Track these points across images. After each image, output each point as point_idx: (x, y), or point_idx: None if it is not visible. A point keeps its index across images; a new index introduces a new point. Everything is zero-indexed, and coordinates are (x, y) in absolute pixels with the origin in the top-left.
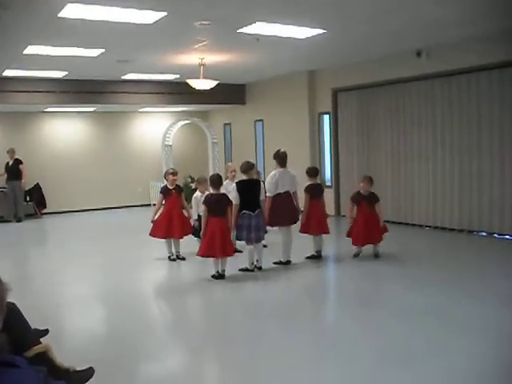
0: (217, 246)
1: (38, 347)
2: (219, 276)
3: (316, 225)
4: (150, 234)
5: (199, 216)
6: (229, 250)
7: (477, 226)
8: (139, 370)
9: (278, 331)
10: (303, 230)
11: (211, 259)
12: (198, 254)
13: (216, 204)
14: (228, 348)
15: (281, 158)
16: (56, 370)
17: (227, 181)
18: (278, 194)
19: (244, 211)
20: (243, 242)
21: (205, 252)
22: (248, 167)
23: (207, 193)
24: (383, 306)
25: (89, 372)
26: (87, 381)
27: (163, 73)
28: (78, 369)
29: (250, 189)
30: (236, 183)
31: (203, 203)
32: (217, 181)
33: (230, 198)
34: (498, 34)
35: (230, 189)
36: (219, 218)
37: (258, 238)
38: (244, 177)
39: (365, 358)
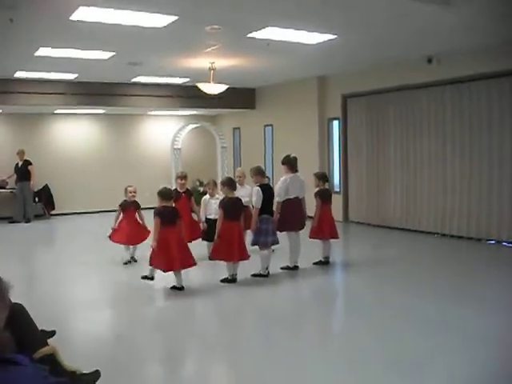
0: (235, 250)
1: (45, 349)
2: (232, 280)
3: (328, 230)
4: None
5: (207, 219)
6: (245, 254)
7: (485, 234)
8: (147, 373)
9: (286, 336)
10: (315, 235)
11: (221, 263)
12: (212, 257)
13: (233, 208)
14: (238, 352)
15: (291, 164)
16: (63, 372)
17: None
18: (287, 200)
19: (264, 215)
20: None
21: (222, 256)
22: (264, 172)
23: (217, 196)
24: (390, 312)
25: (95, 375)
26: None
27: (173, 76)
28: (84, 371)
29: (269, 193)
30: (260, 187)
31: (219, 207)
32: (234, 184)
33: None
34: (510, 41)
35: (241, 193)
36: (236, 222)
37: (274, 241)
38: (261, 181)
39: (371, 364)
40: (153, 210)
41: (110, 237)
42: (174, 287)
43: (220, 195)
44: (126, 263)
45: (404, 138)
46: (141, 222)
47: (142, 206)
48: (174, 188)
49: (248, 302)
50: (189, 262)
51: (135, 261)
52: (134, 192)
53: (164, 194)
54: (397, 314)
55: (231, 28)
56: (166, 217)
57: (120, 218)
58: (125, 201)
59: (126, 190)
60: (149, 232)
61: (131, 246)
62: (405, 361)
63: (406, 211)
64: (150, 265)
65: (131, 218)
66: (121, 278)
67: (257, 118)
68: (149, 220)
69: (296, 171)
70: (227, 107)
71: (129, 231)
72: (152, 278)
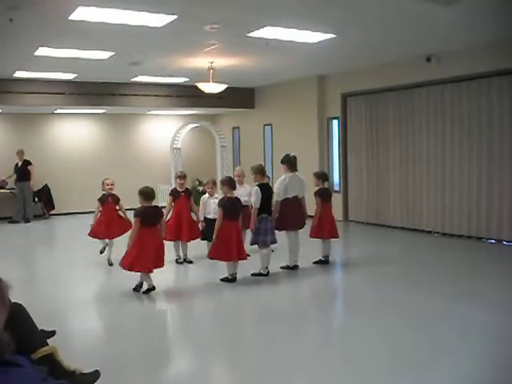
0: (233, 250)
1: (45, 349)
2: (232, 279)
3: (328, 229)
4: None
5: (206, 219)
6: (243, 254)
7: (485, 233)
8: (146, 373)
9: (286, 335)
10: (315, 235)
11: (220, 262)
12: (210, 256)
13: (232, 207)
14: (237, 351)
15: (291, 163)
16: (62, 372)
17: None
18: (286, 199)
19: (263, 215)
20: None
21: (220, 255)
22: (265, 171)
23: (216, 195)
24: (390, 311)
25: (95, 375)
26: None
27: (173, 76)
28: (84, 371)
29: (268, 192)
30: (259, 187)
31: (219, 206)
32: (233, 183)
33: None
34: (509, 39)
35: (239, 193)
36: (235, 221)
37: (274, 240)
38: (261, 180)
39: (371, 362)
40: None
41: (89, 233)
42: (148, 290)
43: (219, 195)
44: (102, 251)
45: (403, 136)
46: (122, 214)
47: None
48: (173, 187)
49: (248, 301)
50: (160, 263)
51: (111, 264)
52: (112, 185)
53: (146, 194)
54: (397, 312)
55: (230, 27)
56: (147, 217)
57: (99, 214)
58: (103, 195)
59: (103, 182)
60: (131, 225)
61: (107, 241)
62: (405, 359)
63: (406, 210)
64: (121, 265)
65: (110, 212)
66: (121, 278)
67: (256, 118)
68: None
69: (295, 170)
70: (227, 107)
71: (106, 225)
72: (147, 287)
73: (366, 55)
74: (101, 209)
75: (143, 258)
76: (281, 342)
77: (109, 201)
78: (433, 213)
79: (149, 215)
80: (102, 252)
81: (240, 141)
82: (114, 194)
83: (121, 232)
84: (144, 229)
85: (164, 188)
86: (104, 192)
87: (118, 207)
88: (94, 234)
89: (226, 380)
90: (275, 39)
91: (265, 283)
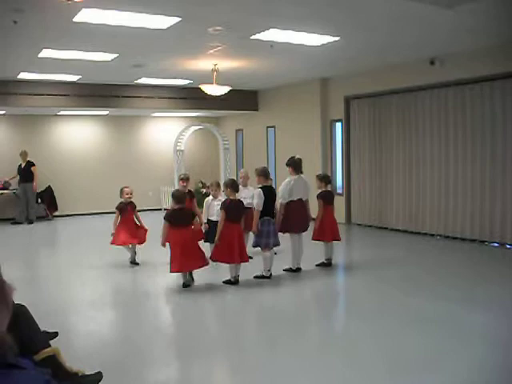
0: (235, 253)
1: (47, 350)
2: (235, 281)
3: (330, 231)
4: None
5: (209, 221)
6: (245, 256)
7: (488, 236)
8: (148, 374)
9: (288, 337)
10: (317, 237)
11: (222, 264)
12: (212, 258)
13: (235, 210)
14: (240, 354)
15: (296, 165)
16: (64, 374)
17: (240, 187)
18: (290, 201)
19: (265, 217)
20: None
21: (222, 258)
22: (268, 173)
23: (219, 198)
24: (392, 314)
25: (97, 376)
26: None
27: (176, 78)
28: (86, 373)
29: (271, 195)
30: (261, 189)
31: (221, 208)
32: (236, 186)
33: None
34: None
35: (242, 195)
36: (237, 224)
37: (276, 243)
38: (264, 182)
39: (373, 365)
40: (155, 212)
41: (111, 242)
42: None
43: (223, 197)
44: (133, 262)
45: (407, 139)
46: (138, 223)
47: (144, 207)
48: (175, 189)
49: (250, 304)
50: (199, 262)
51: (137, 264)
52: (131, 193)
53: (177, 197)
54: (399, 315)
55: (234, 30)
56: (175, 219)
57: (118, 221)
58: (121, 202)
59: (122, 191)
60: (146, 231)
61: (130, 246)
62: (407, 362)
63: (409, 213)
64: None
65: (130, 219)
66: (124, 280)
67: (260, 120)
68: (150, 220)
69: (301, 173)
70: (230, 109)
71: (129, 231)
72: (186, 284)
73: (370, 58)
74: (120, 217)
75: (175, 259)
76: (283, 345)
77: (127, 209)
78: (436, 216)
79: (176, 217)
80: (132, 262)
81: (243, 143)
82: (131, 202)
83: (142, 239)
84: (173, 230)
85: (167, 189)
86: (122, 200)
87: (134, 216)
88: (115, 242)
89: (227, 382)
90: (279, 42)
91: (267, 286)
